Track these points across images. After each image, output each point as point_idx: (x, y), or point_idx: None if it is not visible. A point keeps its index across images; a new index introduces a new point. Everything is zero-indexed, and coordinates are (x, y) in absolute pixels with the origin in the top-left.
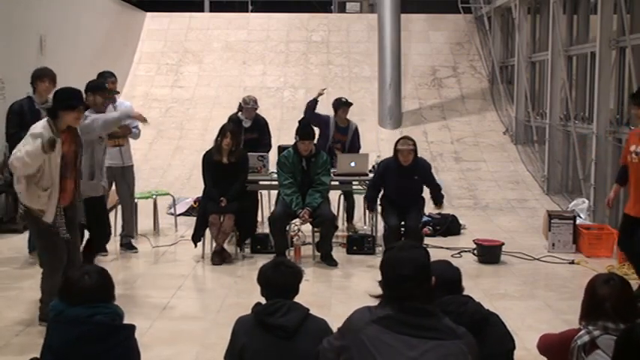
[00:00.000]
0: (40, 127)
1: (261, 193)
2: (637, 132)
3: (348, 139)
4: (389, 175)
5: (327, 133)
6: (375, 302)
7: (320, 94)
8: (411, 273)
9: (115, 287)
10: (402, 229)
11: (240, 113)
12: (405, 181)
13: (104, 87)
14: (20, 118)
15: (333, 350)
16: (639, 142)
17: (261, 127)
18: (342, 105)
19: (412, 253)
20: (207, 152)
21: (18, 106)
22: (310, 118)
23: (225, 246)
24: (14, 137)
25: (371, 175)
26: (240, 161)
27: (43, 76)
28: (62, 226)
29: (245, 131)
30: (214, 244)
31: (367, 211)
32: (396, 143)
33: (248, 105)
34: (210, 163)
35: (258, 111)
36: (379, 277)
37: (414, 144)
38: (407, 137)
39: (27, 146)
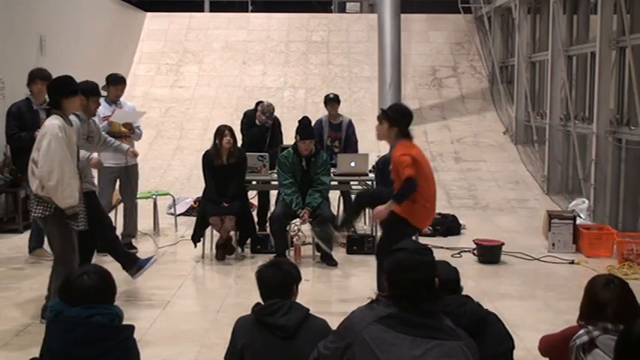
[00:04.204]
0: (54, 123)
1: (270, 192)
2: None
3: (343, 135)
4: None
5: (323, 137)
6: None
7: None
8: (424, 277)
9: (116, 288)
10: None
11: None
12: None
13: (99, 91)
14: (18, 120)
15: (334, 355)
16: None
17: (273, 127)
18: (329, 101)
19: (424, 257)
20: (206, 152)
21: (16, 108)
22: None
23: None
24: (13, 138)
25: (371, 175)
26: (240, 161)
27: (35, 78)
28: (82, 214)
29: (256, 128)
30: (216, 240)
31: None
32: None
33: (263, 115)
34: (211, 166)
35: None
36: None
37: None
38: None
39: (65, 192)
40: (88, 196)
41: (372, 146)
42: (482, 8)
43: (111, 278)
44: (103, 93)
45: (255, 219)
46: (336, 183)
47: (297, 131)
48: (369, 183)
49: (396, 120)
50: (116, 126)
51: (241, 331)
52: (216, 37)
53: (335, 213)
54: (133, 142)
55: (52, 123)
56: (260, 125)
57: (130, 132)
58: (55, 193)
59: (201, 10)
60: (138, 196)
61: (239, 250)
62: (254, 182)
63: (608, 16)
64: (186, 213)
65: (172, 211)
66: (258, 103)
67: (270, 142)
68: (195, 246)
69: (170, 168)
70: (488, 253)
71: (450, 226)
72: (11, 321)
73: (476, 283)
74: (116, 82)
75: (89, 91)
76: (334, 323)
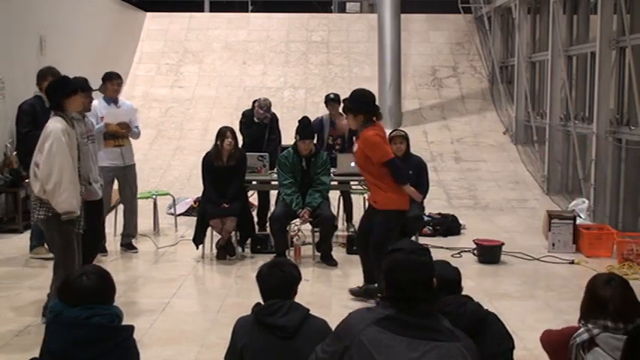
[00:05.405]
0: (57, 127)
1: (269, 192)
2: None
3: (346, 132)
4: None
5: (323, 136)
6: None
7: None
8: (422, 277)
9: (115, 289)
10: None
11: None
12: None
13: (89, 85)
14: (32, 117)
15: (332, 359)
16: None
17: (271, 123)
18: (330, 101)
19: (422, 257)
20: (206, 155)
21: (29, 106)
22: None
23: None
24: (28, 136)
25: None
26: (239, 163)
27: (47, 75)
28: (81, 219)
29: (255, 126)
30: (217, 240)
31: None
32: (389, 134)
33: (261, 109)
34: (211, 168)
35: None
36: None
37: (406, 135)
38: (399, 129)
39: (61, 197)
40: (89, 205)
41: None
42: (482, 8)
43: (110, 279)
44: (100, 95)
45: (255, 219)
46: (336, 183)
47: (297, 131)
48: None
49: (356, 108)
50: (112, 126)
51: (241, 332)
52: (216, 37)
53: (335, 213)
54: (130, 142)
55: (56, 126)
56: (259, 122)
57: (127, 131)
58: (52, 197)
59: (201, 10)
60: (138, 196)
61: (239, 250)
62: (254, 182)
63: (608, 16)
64: (186, 213)
65: (172, 211)
66: (254, 102)
67: (268, 138)
68: (197, 248)
69: (170, 168)
70: (488, 253)
71: (450, 226)
72: (11, 321)
73: (476, 283)
74: (111, 77)
75: (80, 87)
76: (334, 323)
